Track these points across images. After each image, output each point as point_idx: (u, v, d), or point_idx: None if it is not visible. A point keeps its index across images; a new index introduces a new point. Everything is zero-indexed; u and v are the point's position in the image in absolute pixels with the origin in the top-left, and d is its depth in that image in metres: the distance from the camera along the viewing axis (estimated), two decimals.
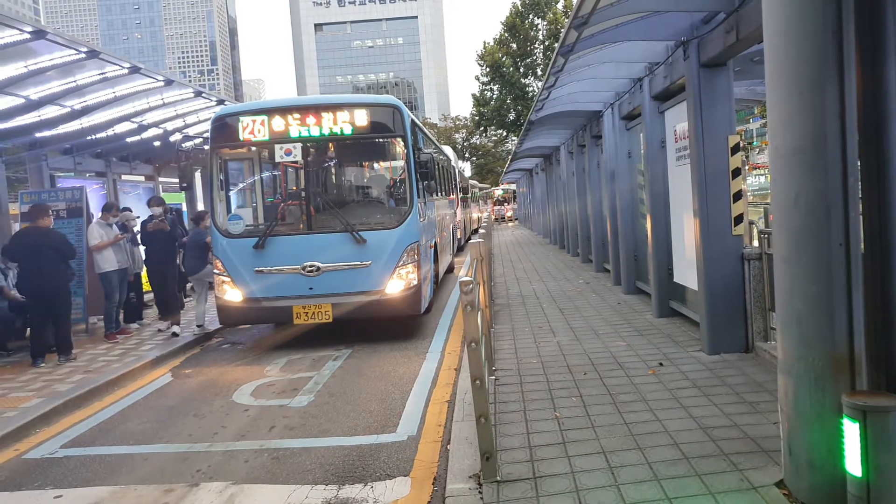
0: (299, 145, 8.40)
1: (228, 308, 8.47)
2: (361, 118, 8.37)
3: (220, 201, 8.80)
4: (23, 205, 10.18)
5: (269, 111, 8.49)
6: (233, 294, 8.38)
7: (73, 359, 8.15)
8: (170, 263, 10.04)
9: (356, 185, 10.78)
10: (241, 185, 10.36)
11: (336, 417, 5.74)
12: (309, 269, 8.21)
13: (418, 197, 8.76)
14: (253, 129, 8.41)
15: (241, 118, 8.46)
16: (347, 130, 8.39)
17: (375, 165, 11.27)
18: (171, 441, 5.44)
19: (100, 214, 9.94)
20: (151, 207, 10.11)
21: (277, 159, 8.71)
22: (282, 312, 8.29)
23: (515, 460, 4.16)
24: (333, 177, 10.22)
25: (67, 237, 8.75)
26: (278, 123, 8.39)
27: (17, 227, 10.40)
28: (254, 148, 9.25)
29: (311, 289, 8.22)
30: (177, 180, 13.40)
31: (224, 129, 8.57)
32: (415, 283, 8.44)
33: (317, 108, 8.47)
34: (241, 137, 8.47)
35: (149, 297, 11.81)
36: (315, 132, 8.40)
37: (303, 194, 8.82)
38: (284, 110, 8.47)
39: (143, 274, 11.09)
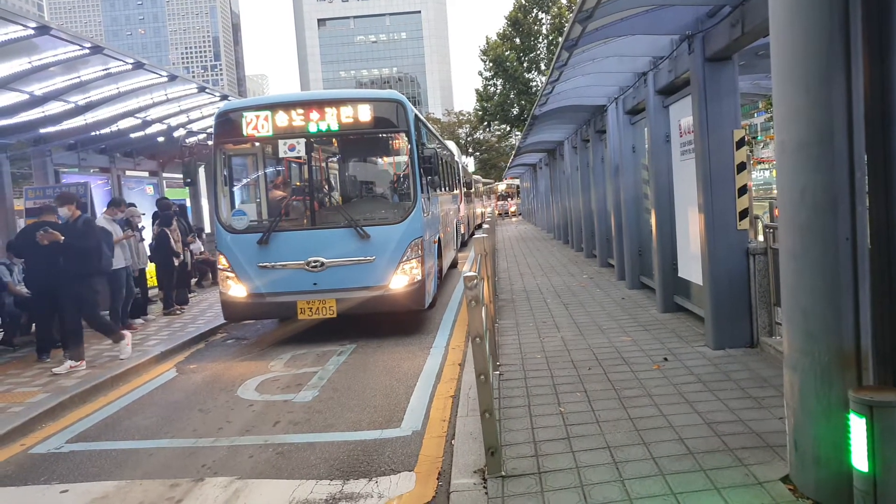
0: (303, 140, 8.39)
1: (233, 303, 8.47)
2: (365, 113, 8.36)
3: (223, 197, 8.80)
4: (27, 200, 10.21)
5: (273, 106, 8.49)
6: (237, 289, 8.39)
7: None
8: (75, 285, 7.61)
9: (360, 180, 10.77)
10: (244, 181, 10.37)
11: (340, 412, 5.74)
12: (313, 264, 8.21)
13: (422, 192, 8.75)
14: (257, 125, 8.40)
15: (245, 113, 8.45)
16: (351, 126, 8.38)
17: (379, 161, 11.27)
18: (176, 436, 5.45)
19: (105, 209, 9.94)
20: (59, 208, 7.81)
21: (281, 154, 8.71)
22: (286, 307, 8.29)
23: (520, 455, 4.16)
24: (337, 172, 10.22)
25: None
26: (282, 119, 8.38)
27: (21, 222, 10.44)
28: (258, 143, 9.25)
29: (315, 284, 8.23)
30: (181, 176, 13.45)
31: (228, 124, 8.57)
32: (419, 278, 8.44)
33: (320, 104, 8.46)
34: (244, 133, 8.46)
35: (153, 292, 11.86)
36: (319, 127, 8.39)
37: (307, 190, 8.82)
38: (288, 105, 8.47)
39: (149, 269, 11.15)
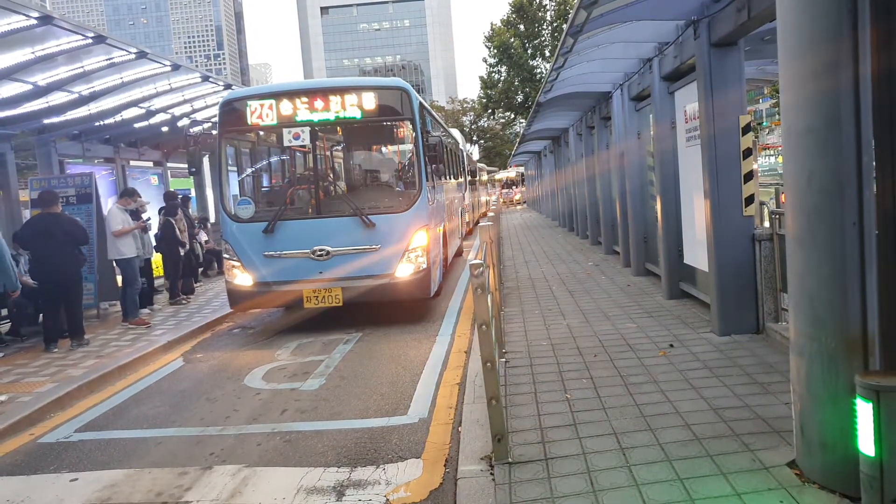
0: (307, 129, 8.36)
1: (238, 292, 8.49)
2: (370, 101, 8.33)
3: (228, 186, 8.80)
4: (33, 191, 10.22)
5: (277, 95, 8.46)
6: (243, 278, 8.40)
7: (86, 344, 8.22)
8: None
9: (365, 168, 10.76)
10: (249, 170, 10.37)
11: (347, 400, 5.77)
12: (318, 253, 8.22)
13: (427, 180, 8.73)
14: (261, 113, 8.39)
15: (249, 102, 8.44)
16: (356, 114, 8.35)
17: (384, 149, 11.24)
18: (184, 425, 5.48)
19: (119, 199, 9.97)
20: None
21: (286, 143, 8.70)
22: (292, 296, 8.31)
23: (527, 442, 4.18)
24: (342, 160, 10.20)
25: (79, 222, 8.80)
26: (286, 107, 8.36)
27: (27, 213, 10.46)
28: (262, 132, 9.23)
29: (320, 273, 8.24)
30: (185, 165, 13.45)
31: (232, 113, 8.56)
32: (424, 266, 8.44)
33: (325, 92, 8.44)
34: (249, 121, 8.45)
35: (159, 282, 11.90)
36: (323, 116, 8.37)
37: (311, 178, 8.80)
38: (292, 94, 8.45)
39: (155, 259, 11.18)
